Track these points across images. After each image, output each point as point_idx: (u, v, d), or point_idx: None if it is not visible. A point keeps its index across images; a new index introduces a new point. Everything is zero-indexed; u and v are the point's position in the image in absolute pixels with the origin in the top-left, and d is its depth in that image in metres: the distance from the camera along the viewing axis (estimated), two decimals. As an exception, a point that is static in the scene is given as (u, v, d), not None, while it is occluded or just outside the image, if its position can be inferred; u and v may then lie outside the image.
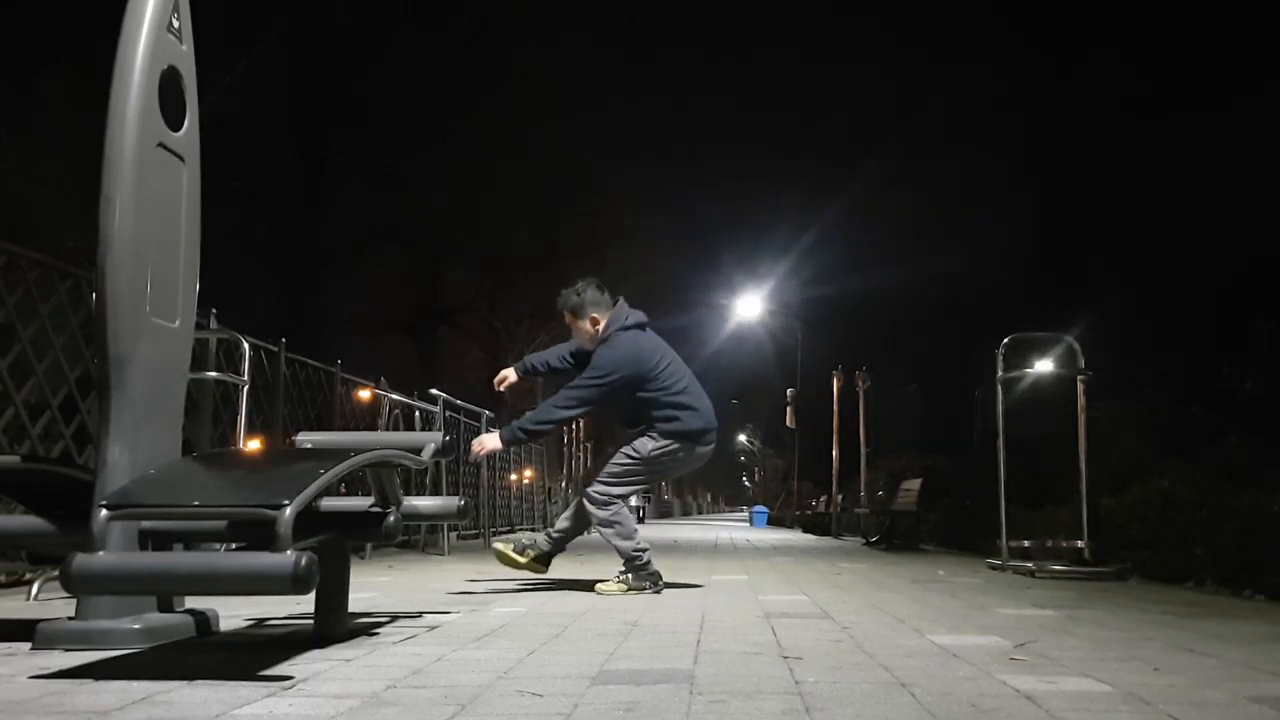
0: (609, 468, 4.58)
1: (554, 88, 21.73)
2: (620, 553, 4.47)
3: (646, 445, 4.53)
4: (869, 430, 17.24)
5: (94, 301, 2.63)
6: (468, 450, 4.60)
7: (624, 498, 4.62)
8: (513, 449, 15.67)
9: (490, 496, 12.08)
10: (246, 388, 5.52)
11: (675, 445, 4.55)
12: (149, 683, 2.06)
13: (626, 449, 4.56)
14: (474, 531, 11.22)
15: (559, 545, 4.71)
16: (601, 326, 4.61)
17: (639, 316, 4.66)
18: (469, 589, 4.61)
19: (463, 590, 4.57)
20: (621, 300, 4.71)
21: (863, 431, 17.11)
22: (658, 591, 4.40)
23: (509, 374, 4.80)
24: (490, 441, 4.58)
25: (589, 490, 4.57)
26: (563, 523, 4.72)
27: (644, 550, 4.46)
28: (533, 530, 16.33)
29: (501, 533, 13.47)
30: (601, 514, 4.51)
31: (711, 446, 4.72)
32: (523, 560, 4.64)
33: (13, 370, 4.56)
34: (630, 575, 4.43)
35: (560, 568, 6.34)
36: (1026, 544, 6.59)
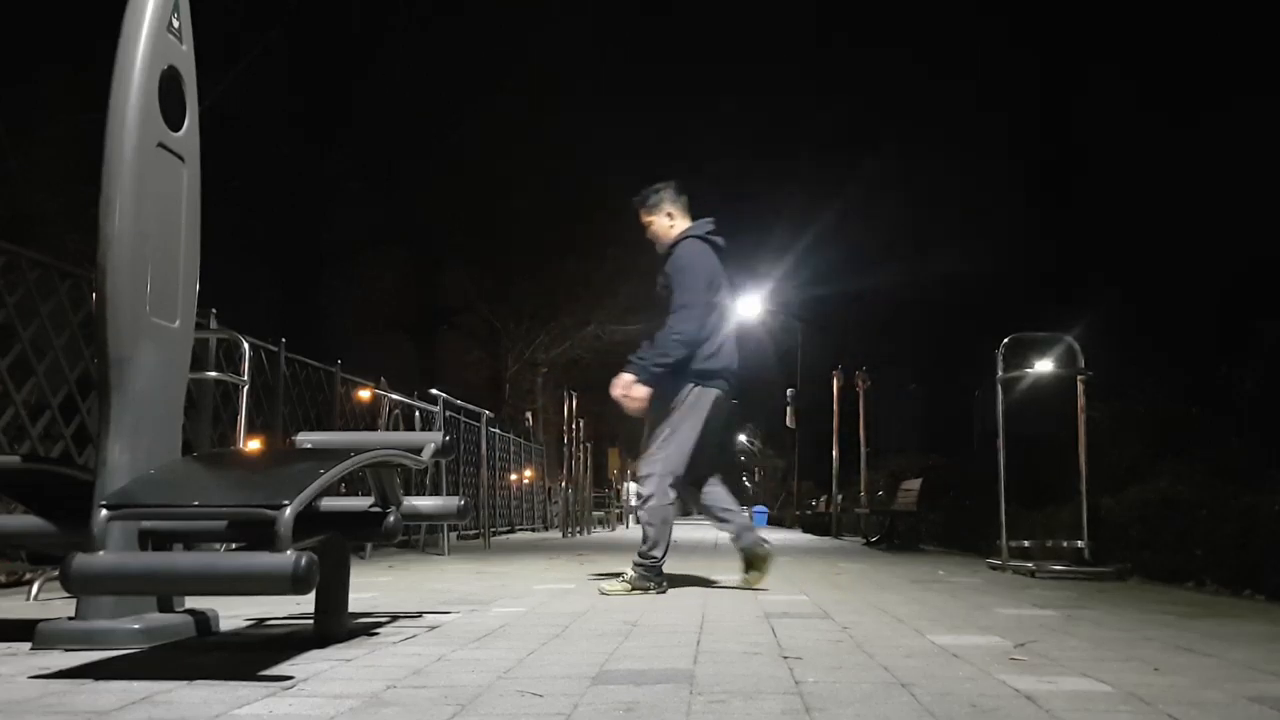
0: (658, 438, 4.39)
1: (554, 88, 21.74)
2: (643, 540, 4.36)
3: (681, 392, 4.37)
4: (869, 430, 17.25)
5: (94, 301, 2.63)
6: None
7: (675, 474, 4.37)
8: (514, 449, 15.68)
9: (490, 496, 12.07)
10: (246, 388, 5.52)
11: (696, 386, 4.37)
12: (149, 683, 2.06)
13: (668, 409, 4.38)
14: (474, 531, 11.22)
15: (747, 541, 4.63)
16: (677, 225, 4.55)
17: (719, 239, 4.55)
18: (469, 589, 4.61)
19: (463, 590, 4.57)
20: (709, 218, 4.62)
21: (863, 431, 17.12)
22: (661, 591, 4.37)
23: (640, 391, 4.33)
24: (640, 390, 4.29)
25: (641, 467, 4.42)
26: (726, 529, 4.64)
27: (661, 558, 4.38)
28: (533, 530, 16.34)
29: (501, 533, 13.48)
30: (651, 503, 4.37)
31: (728, 387, 4.51)
32: (750, 574, 4.62)
33: (13, 370, 4.56)
34: (636, 573, 4.35)
35: (561, 568, 6.34)
36: (1026, 544, 6.59)
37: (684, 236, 4.52)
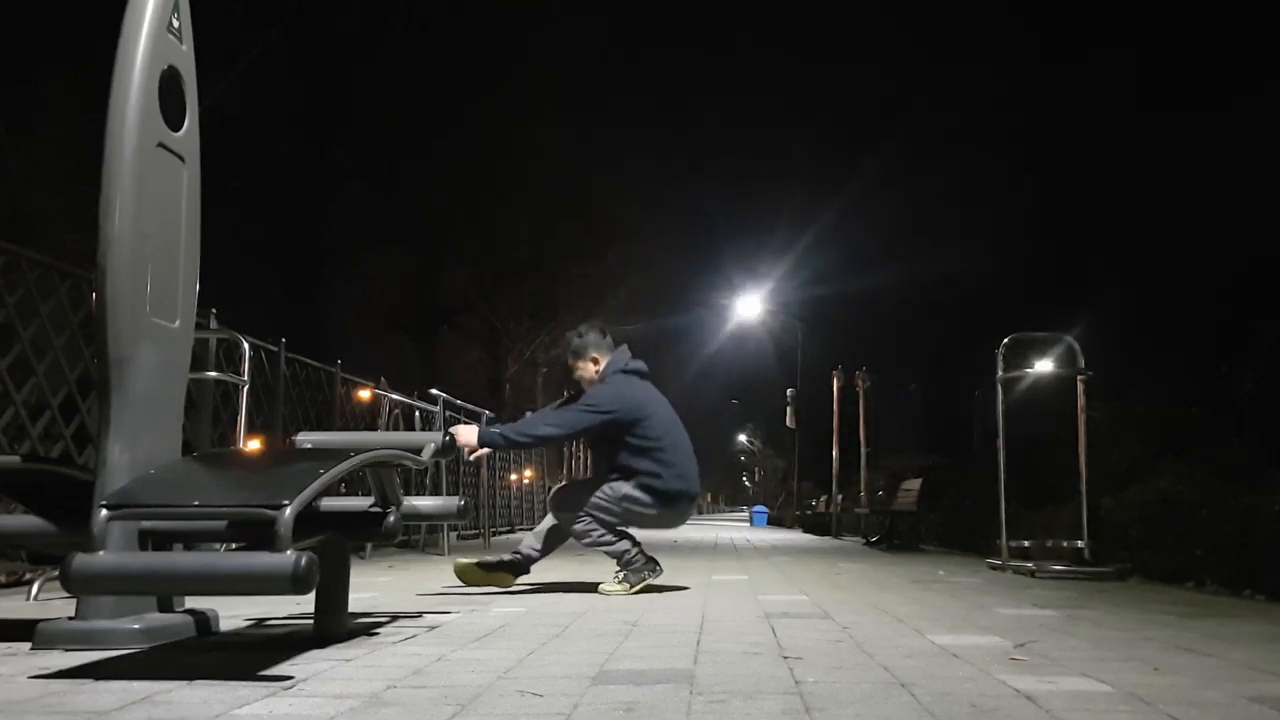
0: (593, 497, 4.54)
1: (555, 87, 21.76)
2: (610, 556, 4.49)
3: (620, 489, 4.50)
4: (869, 430, 17.26)
5: (94, 301, 2.63)
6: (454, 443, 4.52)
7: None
8: (511, 450, 15.67)
9: (490, 496, 12.07)
10: (246, 388, 5.52)
11: (650, 501, 4.49)
12: (149, 683, 2.06)
13: (608, 486, 4.53)
14: (474, 531, 11.22)
15: (529, 561, 4.70)
16: (602, 367, 4.67)
17: (638, 365, 4.72)
18: (468, 589, 4.62)
19: (463, 590, 4.57)
20: (624, 346, 4.78)
21: (863, 431, 17.12)
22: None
23: (482, 452, 4.66)
24: (466, 434, 4.50)
25: (580, 520, 4.55)
26: (533, 540, 4.74)
27: (632, 547, 4.47)
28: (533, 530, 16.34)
29: (501, 533, 13.49)
30: (577, 527, 4.52)
31: (688, 511, 4.72)
32: (485, 574, 4.63)
33: (13, 370, 4.56)
34: (627, 573, 4.43)
35: (561, 568, 6.34)
36: (1026, 544, 6.59)
37: (607, 375, 4.66)
